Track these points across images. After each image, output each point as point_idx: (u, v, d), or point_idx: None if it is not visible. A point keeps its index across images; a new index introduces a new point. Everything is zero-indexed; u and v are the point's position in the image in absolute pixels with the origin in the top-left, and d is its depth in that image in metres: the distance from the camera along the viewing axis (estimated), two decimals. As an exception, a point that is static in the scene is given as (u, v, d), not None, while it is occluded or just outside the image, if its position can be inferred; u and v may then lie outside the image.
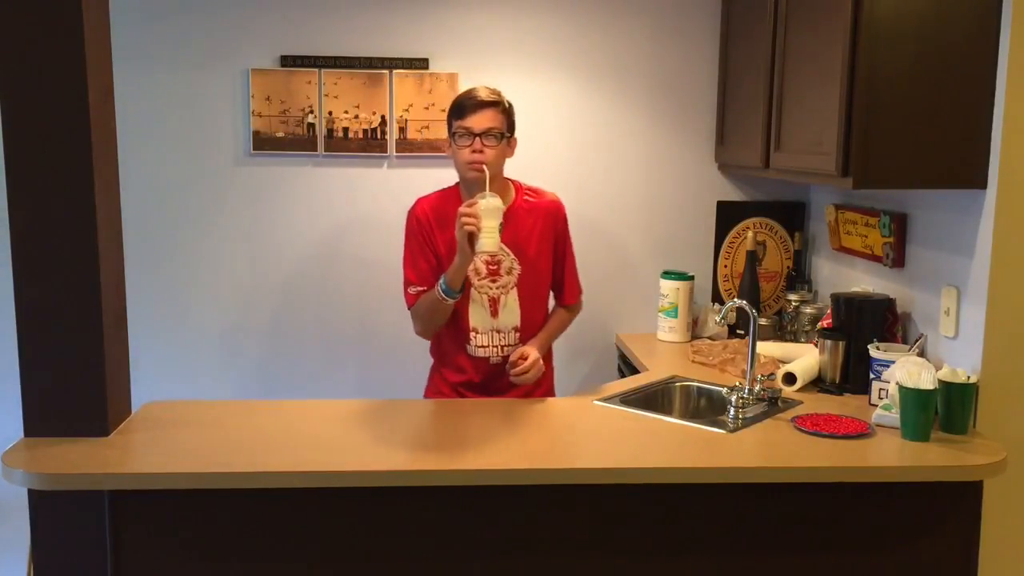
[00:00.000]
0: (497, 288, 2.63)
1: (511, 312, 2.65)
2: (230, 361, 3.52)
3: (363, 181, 3.45)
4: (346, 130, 3.40)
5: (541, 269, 2.68)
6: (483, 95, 2.55)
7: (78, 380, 2.17)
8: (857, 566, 2.19)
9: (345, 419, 2.36)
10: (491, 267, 2.61)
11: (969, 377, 2.26)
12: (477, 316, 2.63)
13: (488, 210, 2.38)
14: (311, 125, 3.39)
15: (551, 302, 2.81)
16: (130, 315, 2.37)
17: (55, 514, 2.10)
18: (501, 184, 2.59)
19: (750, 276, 3.43)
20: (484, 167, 2.47)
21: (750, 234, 3.47)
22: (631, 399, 2.61)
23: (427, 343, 2.77)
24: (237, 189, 3.44)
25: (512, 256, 2.62)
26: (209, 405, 2.48)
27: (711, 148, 3.52)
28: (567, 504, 2.13)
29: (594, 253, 3.54)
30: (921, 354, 2.53)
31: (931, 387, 2.19)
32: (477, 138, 2.50)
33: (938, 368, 2.30)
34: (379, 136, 3.41)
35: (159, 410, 2.40)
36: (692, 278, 3.42)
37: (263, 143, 3.39)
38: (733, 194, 3.56)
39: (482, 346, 2.65)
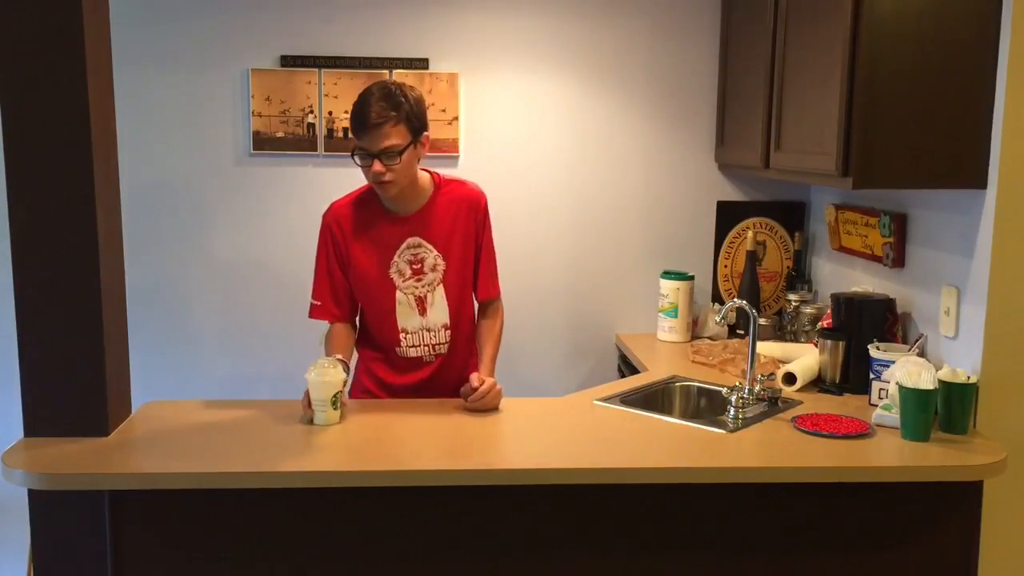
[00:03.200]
0: (423, 287, 2.55)
1: (439, 309, 2.57)
2: (230, 361, 3.52)
3: (363, 181, 3.44)
4: (346, 130, 3.40)
5: (467, 262, 2.58)
6: (376, 111, 2.35)
7: (78, 380, 2.17)
8: (857, 566, 2.19)
9: (344, 419, 2.36)
10: (414, 267, 2.53)
11: (969, 377, 2.26)
12: (405, 317, 2.56)
13: (316, 385, 2.26)
14: (311, 125, 3.39)
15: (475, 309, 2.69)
16: (130, 315, 2.37)
17: (55, 514, 2.10)
18: (415, 185, 2.50)
19: (750, 276, 3.43)
20: (389, 184, 2.40)
21: (750, 234, 3.47)
22: (631, 399, 2.61)
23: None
24: (237, 189, 3.44)
25: (436, 252, 2.54)
26: (209, 405, 2.48)
27: (711, 148, 3.52)
28: (567, 504, 2.13)
29: (594, 253, 3.55)
30: (921, 354, 2.53)
31: (931, 387, 2.19)
32: (376, 159, 2.37)
33: (938, 368, 2.30)
34: (379, 136, 3.40)
35: (159, 410, 2.40)
36: (692, 278, 3.42)
37: (263, 143, 3.39)
38: (733, 194, 3.56)
39: (413, 346, 2.57)
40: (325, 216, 2.58)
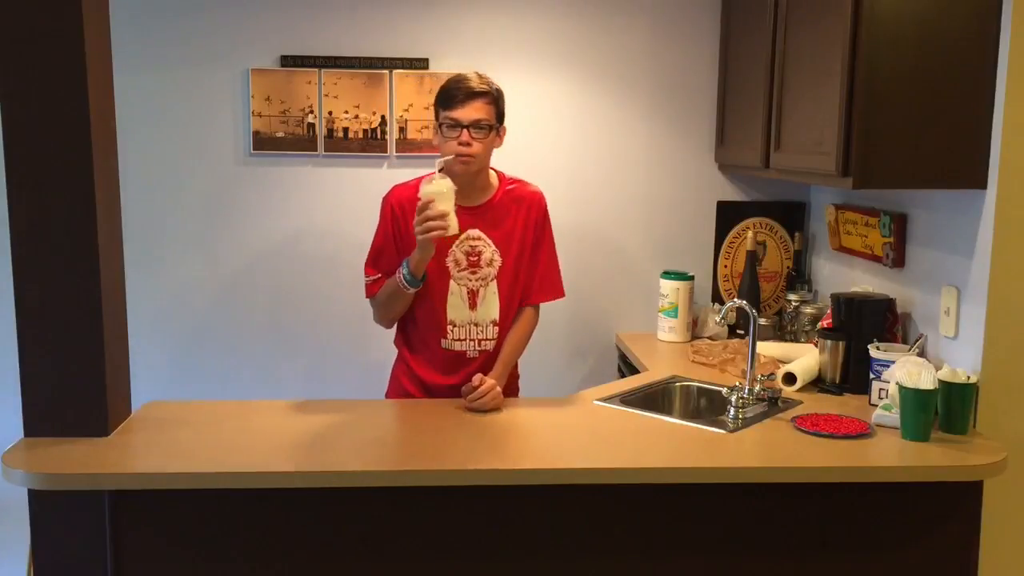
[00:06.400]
0: (477, 280, 2.56)
1: (490, 305, 2.57)
2: (230, 361, 3.52)
3: (363, 181, 3.45)
4: (346, 130, 3.40)
5: (522, 262, 2.60)
6: (472, 84, 2.45)
7: (78, 380, 2.17)
8: (857, 566, 2.19)
9: (345, 419, 2.36)
10: (471, 259, 2.54)
11: (969, 377, 2.26)
12: (455, 309, 2.56)
13: (440, 195, 2.32)
14: (311, 125, 3.39)
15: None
16: (130, 315, 2.37)
17: (55, 514, 2.10)
18: (485, 176, 2.55)
19: (750, 276, 3.43)
20: (471, 159, 2.43)
21: (750, 234, 3.47)
22: (631, 399, 2.61)
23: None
24: (237, 189, 3.44)
25: (494, 247, 2.56)
26: (209, 405, 2.48)
27: (711, 148, 3.52)
28: (567, 504, 2.13)
29: (594, 253, 3.55)
30: (921, 354, 2.53)
31: (931, 387, 2.19)
32: (465, 130, 2.42)
33: (938, 368, 2.30)
34: (379, 136, 3.41)
35: (159, 410, 2.41)
36: (692, 278, 3.42)
37: (263, 143, 3.39)
38: (733, 194, 3.56)
39: (459, 340, 2.58)
40: (387, 197, 2.60)
